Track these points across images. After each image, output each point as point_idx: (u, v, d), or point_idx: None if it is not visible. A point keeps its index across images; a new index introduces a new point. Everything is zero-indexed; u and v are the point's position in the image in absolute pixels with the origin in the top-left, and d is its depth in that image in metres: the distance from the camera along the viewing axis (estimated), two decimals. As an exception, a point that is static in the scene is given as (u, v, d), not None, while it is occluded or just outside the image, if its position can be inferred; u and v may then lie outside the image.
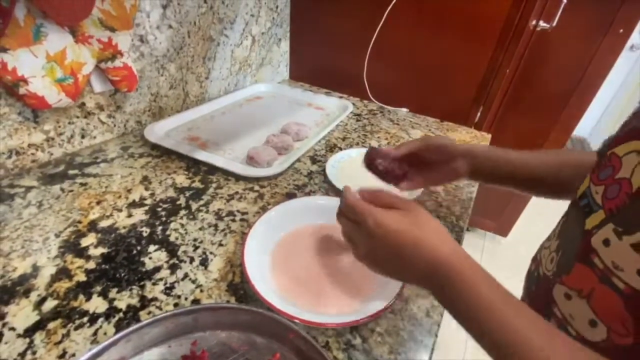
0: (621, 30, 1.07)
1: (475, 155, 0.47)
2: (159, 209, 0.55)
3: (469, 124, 1.09)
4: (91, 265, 0.44)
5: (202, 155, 0.67)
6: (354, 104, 1.04)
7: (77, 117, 0.65)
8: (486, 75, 1.01)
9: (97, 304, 0.39)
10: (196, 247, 0.48)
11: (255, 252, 0.45)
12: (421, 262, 0.31)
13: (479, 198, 0.72)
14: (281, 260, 0.47)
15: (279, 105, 1.00)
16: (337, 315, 0.38)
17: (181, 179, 0.63)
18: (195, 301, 0.41)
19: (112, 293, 0.41)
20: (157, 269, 0.45)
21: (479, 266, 0.30)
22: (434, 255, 0.30)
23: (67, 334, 0.36)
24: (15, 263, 0.43)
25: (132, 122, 0.76)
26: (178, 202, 0.57)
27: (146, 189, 0.59)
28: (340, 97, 1.08)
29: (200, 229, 0.52)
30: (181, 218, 0.54)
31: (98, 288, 0.41)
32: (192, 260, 0.46)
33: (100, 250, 0.46)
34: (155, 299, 0.41)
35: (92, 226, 0.50)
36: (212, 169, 0.66)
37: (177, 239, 0.50)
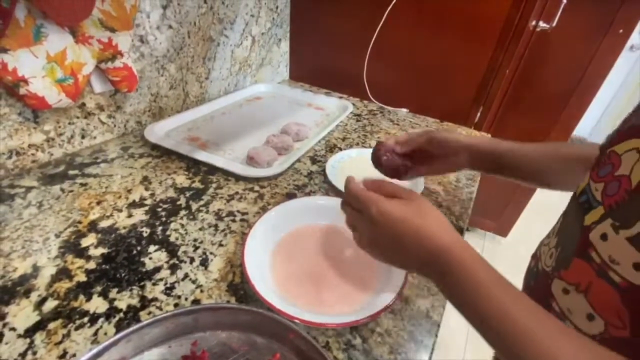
0: (621, 31, 1.07)
1: (476, 149, 0.48)
2: (159, 209, 0.55)
3: (469, 124, 1.09)
4: (91, 265, 0.44)
5: (202, 156, 0.67)
6: (353, 104, 1.04)
7: (77, 117, 0.65)
8: (486, 75, 1.01)
9: (97, 304, 0.39)
10: (196, 248, 0.48)
11: (255, 252, 0.45)
12: (422, 249, 0.31)
13: (479, 198, 0.72)
14: (281, 260, 0.47)
15: (279, 106, 1.00)
16: (337, 315, 0.38)
17: (181, 179, 0.63)
18: (196, 301, 0.41)
19: (113, 293, 0.41)
20: (158, 269, 0.45)
21: (479, 255, 0.30)
22: (436, 243, 0.31)
23: (68, 334, 0.36)
24: (15, 263, 0.43)
25: (132, 122, 0.76)
26: (178, 203, 0.57)
27: (146, 189, 0.59)
28: (340, 98, 1.08)
29: (200, 229, 0.52)
30: (181, 218, 0.54)
31: (98, 288, 0.41)
32: (192, 260, 0.46)
33: (101, 250, 0.47)
34: (155, 299, 0.41)
35: (92, 226, 0.50)
36: (212, 169, 0.66)
37: (177, 239, 0.50)
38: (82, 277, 0.42)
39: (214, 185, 0.62)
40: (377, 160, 0.50)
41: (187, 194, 0.59)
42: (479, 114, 1.09)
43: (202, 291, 0.42)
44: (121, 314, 0.39)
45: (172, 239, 0.50)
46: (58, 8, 0.50)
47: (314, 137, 0.80)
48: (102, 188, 0.58)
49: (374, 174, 0.50)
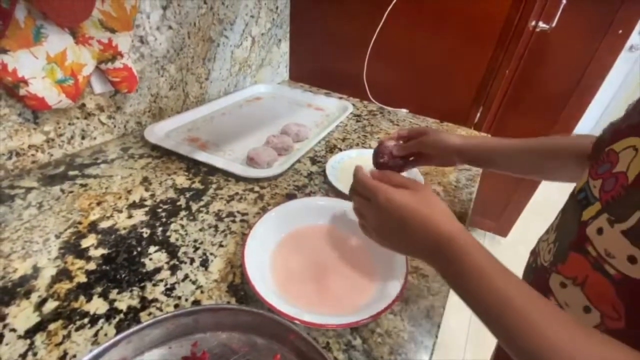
0: (620, 31, 1.07)
1: (465, 149, 0.51)
2: (159, 210, 0.55)
3: (469, 124, 1.09)
4: (92, 266, 0.44)
5: (202, 156, 0.67)
6: (353, 104, 1.04)
7: (77, 118, 0.65)
8: (486, 75, 1.01)
9: (97, 305, 0.39)
10: (196, 248, 0.48)
11: (255, 253, 0.45)
12: (428, 237, 0.32)
13: (478, 198, 0.72)
14: (282, 261, 0.47)
15: (279, 106, 1.00)
16: (337, 316, 0.38)
17: (181, 180, 0.63)
18: (196, 302, 0.41)
19: (113, 294, 0.41)
20: (158, 270, 0.45)
21: (481, 245, 0.31)
22: (441, 231, 0.32)
23: (68, 335, 0.36)
24: (15, 264, 0.43)
25: (132, 123, 0.76)
26: (178, 203, 0.57)
27: (146, 189, 0.59)
28: (340, 98, 1.08)
29: (200, 229, 0.52)
30: (181, 219, 0.54)
31: (99, 289, 0.41)
32: (192, 261, 0.46)
33: (101, 251, 0.47)
34: (155, 300, 0.41)
35: (93, 227, 0.50)
36: (212, 170, 0.66)
37: (177, 240, 0.50)
38: (82, 278, 0.42)
39: (214, 185, 0.62)
40: (375, 163, 0.52)
41: (187, 195, 0.59)
42: (478, 114, 1.09)
43: (202, 292, 0.42)
44: (121, 315, 0.39)
45: (172, 239, 0.50)
46: (58, 9, 0.50)
47: (314, 137, 0.80)
48: (102, 189, 0.58)
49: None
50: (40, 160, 0.62)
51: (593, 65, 1.14)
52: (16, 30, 0.49)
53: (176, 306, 0.40)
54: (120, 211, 0.54)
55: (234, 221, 0.54)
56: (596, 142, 0.41)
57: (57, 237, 0.48)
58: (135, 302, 0.40)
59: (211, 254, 0.48)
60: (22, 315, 0.38)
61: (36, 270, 0.43)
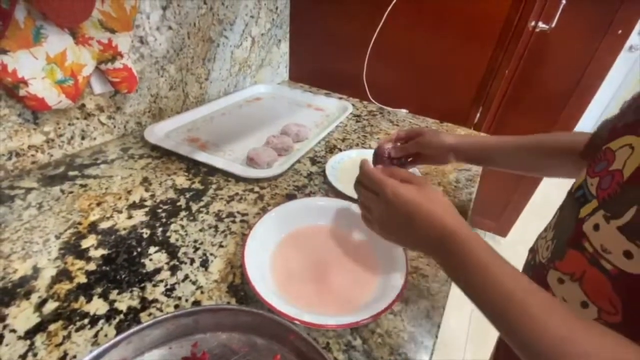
0: (620, 31, 1.07)
1: (460, 148, 0.53)
2: (159, 211, 0.55)
3: (469, 124, 1.09)
4: (92, 266, 0.44)
5: (202, 157, 0.67)
6: (353, 105, 1.04)
7: (77, 118, 0.65)
8: (485, 75, 1.01)
9: (97, 306, 0.39)
10: (196, 249, 0.49)
11: (255, 253, 0.45)
12: (432, 231, 0.33)
13: (478, 198, 0.72)
14: (282, 261, 0.47)
15: (279, 106, 1.00)
16: (337, 316, 0.38)
17: (181, 180, 0.63)
18: (196, 302, 0.41)
19: (113, 295, 0.41)
20: (158, 271, 0.45)
21: (482, 238, 0.31)
22: (444, 225, 0.32)
23: (68, 336, 0.36)
24: (15, 265, 0.43)
25: (132, 123, 0.76)
26: (178, 204, 0.57)
27: (146, 190, 0.59)
28: (340, 98, 1.08)
29: (200, 230, 0.52)
30: (181, 219, 0.54)
31: (99, 290, 0.41)
32: (192, 261, 0.46)
33: (101, 251, 0.47)
34: (155, 300, 0.41)
35: (93, 228, 0.50)
36: (212, 170, 0.66)
37: (177, 240, 0.50)
38: (82, 279, 0.42)
39: (214, 186, 0.62)
40: (375, 165, 0.52)
41: (187, 195, 0.59)
42: (478, 115, 1.09)
43: (202, 292, 0.42)
44: (121, 316, 0.39)
45: (172, 240, 0.50)
46: (58, 9, 0.50)
47: (314, 138, 0.80)
48: (102, 189, 0.58)
49: None
50: (40, 160, 0.62)
51: (593, 65, 1.14)
52: (16, 30, 0.49)
53: (176, 307, 0.40)
54: (120, 212, 0.54)
55: (234, 221, 0.54)
56: (591, 138, 0.42)
57: (57, 237, 0.48)
58: (135, 303, 0.40)
59: (211, 254, 0.48)
60: (22, 316, 0.38)
61: (36, 270, 0.43)
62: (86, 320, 0.38)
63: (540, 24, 1.11)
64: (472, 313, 1.43)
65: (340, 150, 0.78)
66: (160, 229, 0.51)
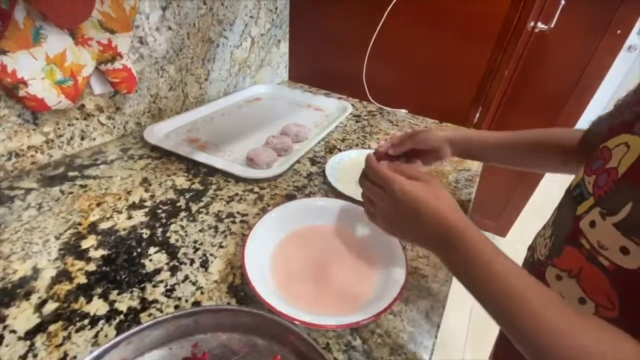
0: (619, 31, 1.07)
1: (456, 142, 0.53)
2: (159, 211, 0.55)
3: (468, 124, 1.09)
4: (91, 267, 0.44)
5: (201, 157, 0.67)
6: (353, 105, 1.04)
7: (77, 118, 0.65)
8: (485, 75, 1.01)
9: (97, 306, 0.39)
10: (196, 249, 0.49)
11: (255, 254, 0.45)
12: (437, 227, 0.33)
13: (478, 198, 0.72)
14: (281, 261, 0.47)
15: (279, 107, 1.00)
16: (337, 316, 0.38)
17: (181, 181, 0.63)
18: (196, 303, 0.41)
19: (113, 295, 0.41)
20: (158, 271, 0.45)
21: (486, 237, 0.32)
22: (448, 221, 0.33)
23: (68, 337, 0.36)
24: (15, 265, 0.43)
25: (132, 123, 0.76)
26: (178, 204, 0.57)
27: (146, 190, 0.59)
28: (340, 98, 1.08)
29: (200, 230, 0.52)
30: (181, 220, 0.54)
31: (99, 290, 0.41)
32: (192, 262, 0.46)
33: (101, 252, 0.47)
34: (155, 301, 0.41)
35: (92, 228, 0.50)
36: (212, 171, 0.66)
37: (177, 240, 0.50)
38: (82, 279, 0.42)
39: (213, 186, 0.62)
40: None
41: (187, 196, 0.59)
42: (478, 114, 1.09)
43: (202, 293, 0.42)
44: (121, 316, 0.39)
45: (172, 240, 0.50)
46: (57, 10, 0.50)
47: (314, 138, 0.80)
48: (101, 190, 0.58)
49: None
50: (39, 161, 0.62)
51: (592, 65, 1.14)
52: (15, 31, 0.49)
53: (176, 307, 0.40)
54: (120, 212, 0.54)
55: (233, 222, 0.54)
56: (584, 135, 0.43)
57: (57, 238, 0.48)
58: (135, 303, 0.40)
59: (211, 254, 0.48)
60: (22, 316, 0.38)
61: (36, 271, 0.43)
62: (86, 321, 0.38)
63: (540, 24, 1.11)
64: (471, 313, 1.43)
65: (340, 150, 0.78)
66: (160, 230, 0.51)
